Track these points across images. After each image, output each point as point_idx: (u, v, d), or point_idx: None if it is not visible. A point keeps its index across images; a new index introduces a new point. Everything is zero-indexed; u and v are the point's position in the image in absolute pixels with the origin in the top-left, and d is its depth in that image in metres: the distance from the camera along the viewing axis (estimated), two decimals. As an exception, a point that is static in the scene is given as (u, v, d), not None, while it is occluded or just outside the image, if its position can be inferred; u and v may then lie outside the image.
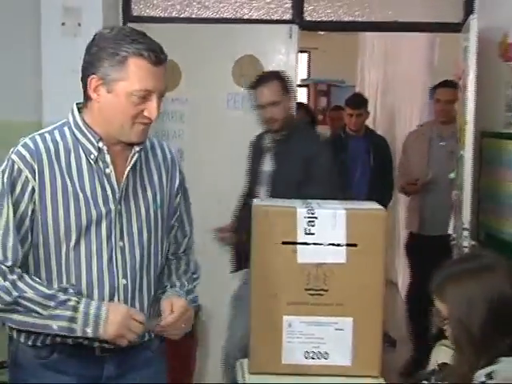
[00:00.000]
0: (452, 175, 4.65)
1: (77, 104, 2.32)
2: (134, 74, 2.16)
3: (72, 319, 2.17)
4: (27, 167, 2.19)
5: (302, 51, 10.67)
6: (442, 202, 5.03)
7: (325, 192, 3.37)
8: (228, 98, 4.91)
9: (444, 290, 2.24)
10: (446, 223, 4.73)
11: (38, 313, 2.16)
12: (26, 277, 2.20)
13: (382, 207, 2.86)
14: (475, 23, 3.98)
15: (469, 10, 4.59)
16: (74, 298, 2.18)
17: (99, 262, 2.27)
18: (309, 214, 2.69)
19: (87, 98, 2.26)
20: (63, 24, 4.26)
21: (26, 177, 2.18)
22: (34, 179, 2.19)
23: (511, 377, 2.04)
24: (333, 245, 2.69)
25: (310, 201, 2.87)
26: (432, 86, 5.45)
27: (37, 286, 2.19)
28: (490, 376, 2.06)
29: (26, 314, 2.17)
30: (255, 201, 2.85)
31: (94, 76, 2.20)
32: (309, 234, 2.68)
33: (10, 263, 2.17)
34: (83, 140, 2.26)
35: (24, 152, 2.20)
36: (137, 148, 2.31)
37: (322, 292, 2.70)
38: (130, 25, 4.69)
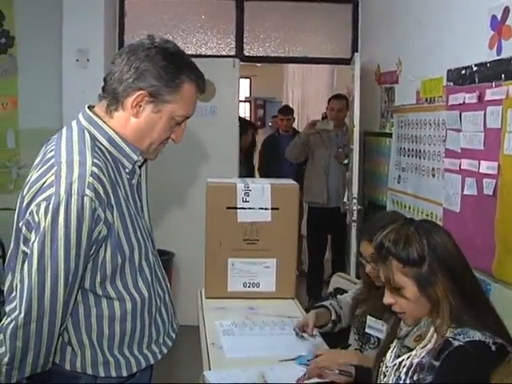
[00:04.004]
0: (346, 161, 4.68)
1: (88, 107, 1.57)
2: (185, 100, 1.52)
3: None
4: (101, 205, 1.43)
5: (246, 77, 10.80)
6: (339, 181, 4.80)
7: None
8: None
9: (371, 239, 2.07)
10: (340, 197, 4.67)
11: None
12: None
13: (295, 183, 2.87)
14: (358, 58, 4.00)
15: (354, 49, 4.61)
16: None
17: (151, 274, 1.60)
18: (245, 187, 2.68)
19: (118, 108, 1.52)
20: (77, 60, 4.31)
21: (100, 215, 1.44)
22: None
23: None
24: (262, 209, 2.68)
25: (245, 179, 2.88)
26: (328, 98, 5.21)
27: None
28: None
29: None
30: (209, 179, 2.81)
31: (142, 92, 1.48)
32: (245, 201, 2.68)
33: None
34: (118, 155, 1.53)
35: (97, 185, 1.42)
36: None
37: (254, 241, 2.71)
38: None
